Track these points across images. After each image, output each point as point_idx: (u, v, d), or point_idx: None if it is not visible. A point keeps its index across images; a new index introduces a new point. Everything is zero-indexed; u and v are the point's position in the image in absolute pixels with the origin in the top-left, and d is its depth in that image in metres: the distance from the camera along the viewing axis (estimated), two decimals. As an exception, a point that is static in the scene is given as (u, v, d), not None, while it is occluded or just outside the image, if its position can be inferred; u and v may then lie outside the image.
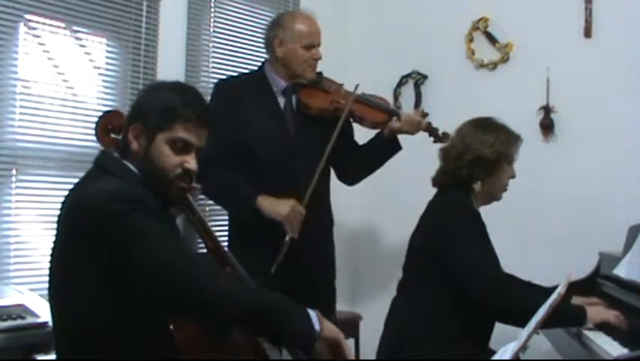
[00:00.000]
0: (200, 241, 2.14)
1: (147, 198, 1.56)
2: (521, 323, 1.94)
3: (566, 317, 2.15)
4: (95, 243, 1.49)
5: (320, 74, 2.74)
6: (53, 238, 1.62)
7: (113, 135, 1.80)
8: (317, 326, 1.50)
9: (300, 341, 1.52)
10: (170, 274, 1.45)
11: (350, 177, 2.89)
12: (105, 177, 1.60)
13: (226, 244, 2.76)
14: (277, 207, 2.49)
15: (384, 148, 2.74)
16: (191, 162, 1.66)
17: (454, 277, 2.23)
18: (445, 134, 2.69)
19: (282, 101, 2.69)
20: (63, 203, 1.62)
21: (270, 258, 2.50)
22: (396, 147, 2.75)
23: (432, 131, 2.75)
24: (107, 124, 1.82)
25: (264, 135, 2.60)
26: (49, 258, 1.64)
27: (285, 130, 2.65)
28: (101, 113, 1.89)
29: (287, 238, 2.49)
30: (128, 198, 1.52)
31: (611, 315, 2.15)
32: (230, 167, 2.60)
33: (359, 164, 2.81)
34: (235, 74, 3.33)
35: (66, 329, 1.59)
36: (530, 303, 1.93)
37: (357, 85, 2.67)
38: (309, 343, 1.50)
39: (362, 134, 2.87)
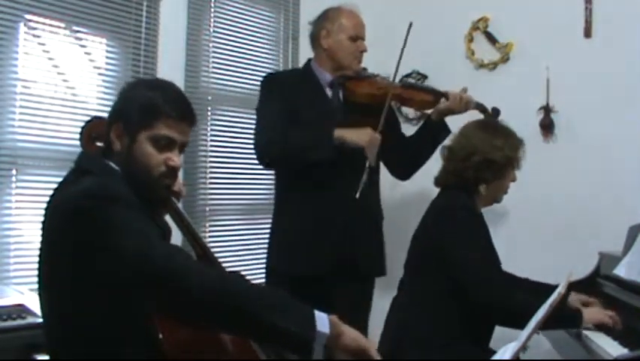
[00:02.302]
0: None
1: (124, 193, 1.53)
2: (520, 325, 1.95)
3: (563, 319, 2.15)
4: (76, 244, 1.48)
5: (364, 69, 2.77)
6: (39, 242, 1.61)
7: (98, 143, 1.79)
8: (324, 328, 1.39)
9: (290, 342, 1.39)
10: (146, 263, 1.41)
11: (402, 170, 2.90)
12: (85, 177, 1.58)
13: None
14: (359, 135, 2.52)
15: (434, 133, 2.73)
16: (174, 159, 1.63)
17: (455, 277, 2.23)
18: (496, 110, 2.70)
19: (329, 94, 2.72)
20: (47, 206, 1.60)
21: (333, 220, 2.55)
22: (446, 131, 2.72)
23: (482, 108, 2.75)
24: (90, 132, 1.81)
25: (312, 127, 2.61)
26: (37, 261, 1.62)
27: (333, 121, 2.64)
28: (100, 114, 1.88)
29: (367, 165, 2.51)
30: (103, 193, 1.50)
31: (605, 316, 2.15)
32: None
33: (410, 154, 2.81)
34: (235, 74, 3.34)
35: (53, 329, 1.59)
36: (530, 305, 1.94)
37: (411, 23, 2.68)
38: (303, 345, 1.38)
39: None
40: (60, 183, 1.64)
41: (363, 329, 2.71)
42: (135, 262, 1.42)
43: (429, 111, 2.79)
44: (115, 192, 1.52)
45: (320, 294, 2.64)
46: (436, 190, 2.46)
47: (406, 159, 2.83)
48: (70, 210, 1.50)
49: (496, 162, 2.32)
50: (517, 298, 2.20)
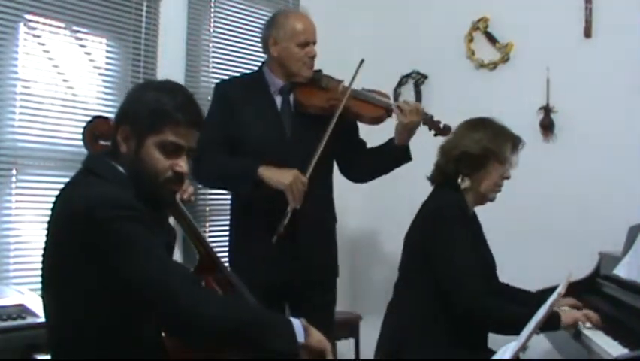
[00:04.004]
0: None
1: (136, 204, 1.54)
2: (505, 332, 2.03)
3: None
4: (83, 246, 1.49)
5: (319, 71, 2.71)
6: (44, 241, 1.61)
7: (101, 142, 1.79)
8: (301, 338, 1.52)
9: (281, 358, 1.53)
10: (152, 288, 1.46)
11: (355, 176, 2.84)
12: (94, 180, 1.58)
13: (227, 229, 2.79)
14: (280, 176, 2.46)
15: (393, 156, 2.67)
16: (181, 165, 1.63)
17: (439, 283, 2.22)
18: (447, 127, 2.60)
19: (279, 101, 2.67)
20: (53, 205, 1.61)
21: (272, 232, 2.47)
22: (405, 158, 2.68)
23: (432, 124, 2.64)
24: (93, 132, 1.81)
25: (259, 137, 2.58)
26: (40, 259, 1.63)
27: (281, 131, 2.63)
28: (100, 114, 1.89)
29: (288, 208, 2.46)
30: (119, 204, 1.50)
31: (580, 315, 2.17)
32: None
33: (367, 166, 2.77)
34: (235, 74, 3.33)
35: (55, 328, 1.60)
36: (513, 314, 2.06)
37: (362, 60, 2.60)
38: (291, 358, 1.51)
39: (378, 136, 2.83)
40: (67, 184, 1.63)
41: (329, 332, 2.71)
42: (149, 288, 1.46)
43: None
44: (128, 204, 1.52)
45: (283, 304, 2.66)
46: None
47: (362, 167, 2.78)
48: (80, 213, 1.49)
49: (473, 155, 2.32)
50: (501, 307, 2.20)
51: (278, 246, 2.49)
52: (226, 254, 3.23)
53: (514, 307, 2.18)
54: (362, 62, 2.62)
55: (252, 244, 2.60)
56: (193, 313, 1.46)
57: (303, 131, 2.62)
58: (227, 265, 2.72)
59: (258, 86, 2.67)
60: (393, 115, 2.66)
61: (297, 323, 1.53)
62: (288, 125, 2.64)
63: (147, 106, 1.61)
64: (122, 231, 1.47)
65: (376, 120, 2.69)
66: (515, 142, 2.38)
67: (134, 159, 1.61)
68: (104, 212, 1.48)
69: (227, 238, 3.34)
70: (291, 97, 2.67)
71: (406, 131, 2.61)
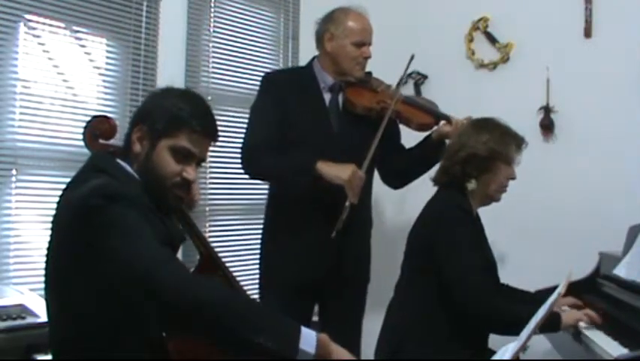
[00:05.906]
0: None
1: (128, 192, 1.54)
2: (507, 332, 2.02)
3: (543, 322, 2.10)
4: (76, 240, 1.49)
5: (369, 73, 2.71)
6: (48, 239, 1.62)
7: (101, 141, 1.80)
8: (308, 348, 1.39)
9: (269, 358, 1.40)
10: (135, 270, 1.42)
11: (395, 180, 2.84)
12: (97, 175, 1.59)
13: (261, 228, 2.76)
14: (339, 171, 2.43)
15: (432, 152, 2.66)
16: (190, 173, 1.66)
17: (443, 283, 2.22)
18: None
19: (327, 97, 2.66)
20: (57, 205, 1.62)
21: (325, 231, 2.45)
22: (444, 152, 2.66)
23: None
24: (93, 131, 1.81)
25: (306, 132, 2.56)
26: (44, 258, 1.63)
27: (328, 128, 2.61)
28: (100, 114, 1.88)
29: (347, 203, 2.43)
30: (106, 193, 1.51)
31: (581, 315, 2.18)
32: None
33: (405, 167, 2.76)
34: (235, 74, 3.34)
35: (57, 327, 1.60)
36: (516, 314, 2.03)
37: (413, 55, 2.62)
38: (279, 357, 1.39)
39: (408, 139, 2.83)
40: (70, 182, 1.64)
41: (355, 337, 2.71)
42: (123, 262, 1.44)
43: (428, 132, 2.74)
44: (117, 192, 1.52)
45: (313, 303, 2.66)
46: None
47: (399, 170, 2.78)
48: (75, 208, 1.51)
49: (480, 156, 2.31)
50: (507, 307, 2.19)
51: (317, 245, 2.50)
52: (226, 254, 3.25)
53: (520, 307, 2.17)
54: (412, 57, 2.63)
55: (290, 241, 2.59)
56: (150, 278, 1.39)
57: (349, 130, 2.60)
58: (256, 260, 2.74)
59: (306, 81, 2.67)
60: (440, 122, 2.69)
61: (308, 332, 1.42)
62: (335, 122, 2.63)
63: (166, 110, 1.65)
64: (105, 217, 1.47)
65: (425, 127, 2.71)
66: (519, 142, 2.38)
67: (145, 159, 1.64)
68: (92, 201, 1.49)
69: (228, 239, 3.35)
70: (340, 96, 2.66)
71: (447, 138, 2.64)
